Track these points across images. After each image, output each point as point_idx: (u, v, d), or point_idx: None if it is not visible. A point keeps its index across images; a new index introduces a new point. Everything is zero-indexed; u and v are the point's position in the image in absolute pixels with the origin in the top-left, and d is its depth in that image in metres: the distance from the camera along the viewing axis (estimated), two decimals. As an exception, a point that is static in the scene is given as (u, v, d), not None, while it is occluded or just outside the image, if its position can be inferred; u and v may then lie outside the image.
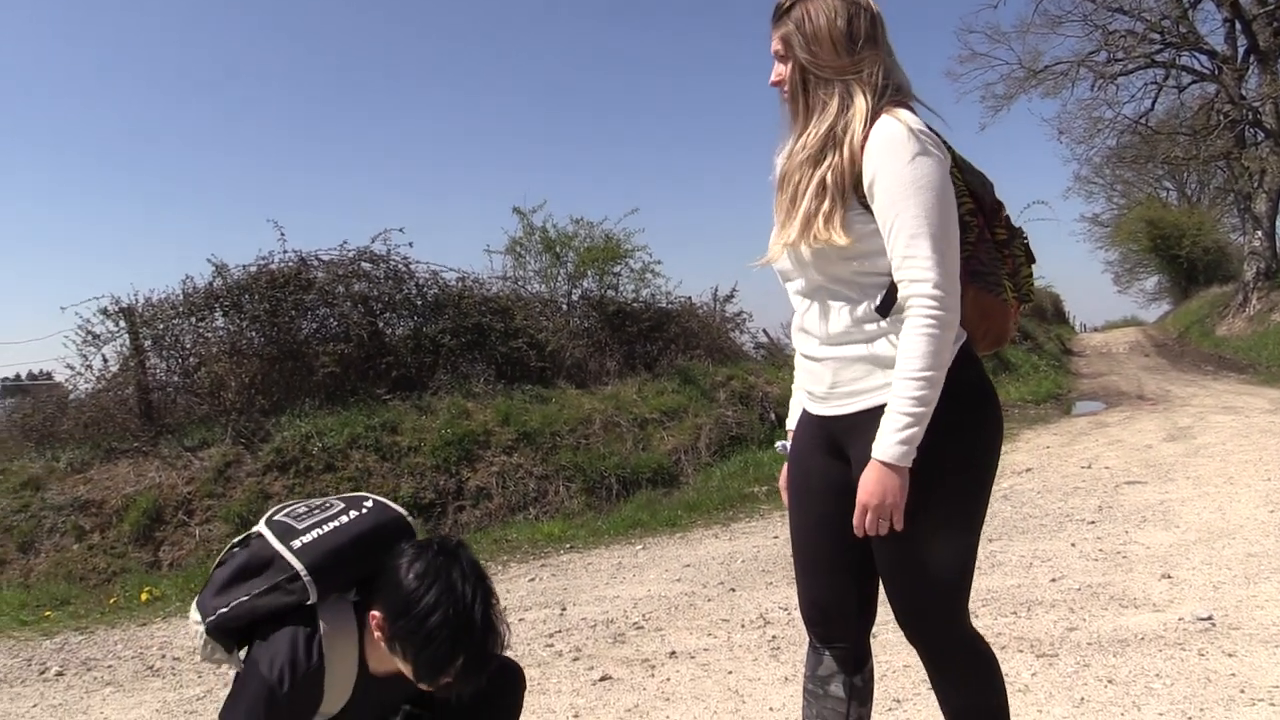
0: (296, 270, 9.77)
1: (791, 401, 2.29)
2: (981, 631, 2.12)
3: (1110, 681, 3.41)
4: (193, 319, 9.59)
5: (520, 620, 5.01)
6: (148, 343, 9.36)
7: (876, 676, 2.30)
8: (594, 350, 11.88)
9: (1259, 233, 25.22)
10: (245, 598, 1.98)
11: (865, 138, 1.88)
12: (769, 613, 4.73)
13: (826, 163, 1.90)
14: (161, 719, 4.00)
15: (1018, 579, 4.90)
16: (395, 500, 2.31)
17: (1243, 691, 3.22)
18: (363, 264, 10.24)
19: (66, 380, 9.71)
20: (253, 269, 9.74)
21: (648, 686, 3.84)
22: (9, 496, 7.79)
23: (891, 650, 3.88)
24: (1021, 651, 3.79)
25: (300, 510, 2.10)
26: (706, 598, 5.19)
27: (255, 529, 2.10)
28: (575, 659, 4.29)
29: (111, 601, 6.50)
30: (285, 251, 9.94)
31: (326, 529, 2.02)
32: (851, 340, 1.94)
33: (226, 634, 2.03)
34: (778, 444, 2.33)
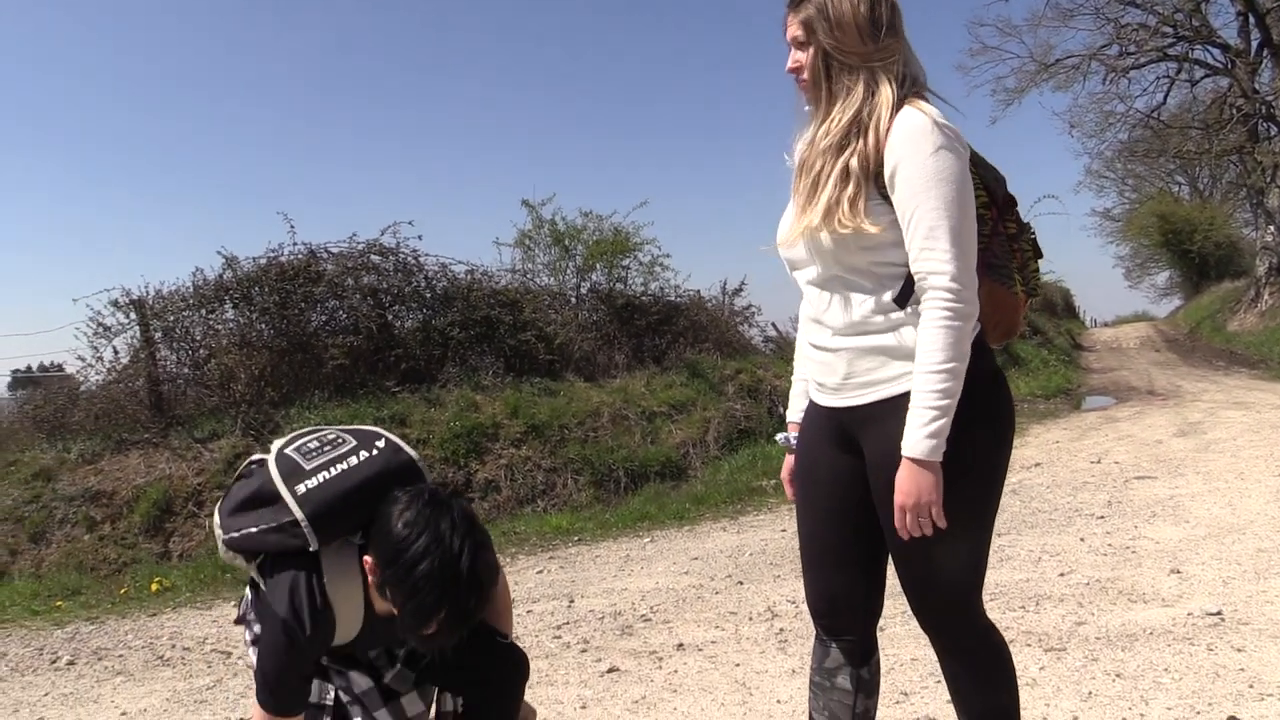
0: (306, 263, 9.80)
1: (792, 393, 2.30)
2: (990, 625, 2.12)
3: (1118, 676, 3.41)
4: (203, 311, 9.63)
5: (528, 612, 5.02)
6: (158, 335, 9.40)
7: (883, 669, 2.30)
8: (602, 343, 11.90)
9: (1271, 228, 25.07)
10: (254, 529, 2.02)
11: (889, 127, 1.88)
12: (777, 605, 4.73)
13: (851, 150, 1.89)
14: (172, 708, 4.02)
15: (1026, 573, 4.89)
16: None
17: (1251, 686, 3.21)
18: (372, 257, 10.27)
19: (77, 372, 9.78)
20: (262, 261, 9.78)
21: (655, 678, 3.85)
22: (20, 487, 7.84)
23: (899, 643, 3.88)
24: (1029, 646, 3.78)
25: (311, 445, 2.10)
26: (714, 590, 5.20)
27: (267, 456, 2.12)
28: (583, 651, 4.30)
29: (122, 592, 6.54)
30: (295, 244, 9.99)
31: (333, 472, 2.02)
32: (867, 331, 1.93)
33: (241, 551, 2.09)
34: (779, 436, 2.31)
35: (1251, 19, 24.14)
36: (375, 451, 2.06)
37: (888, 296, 1.91)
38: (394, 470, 2.03)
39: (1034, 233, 2.14)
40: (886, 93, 1.91)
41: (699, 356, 11.91)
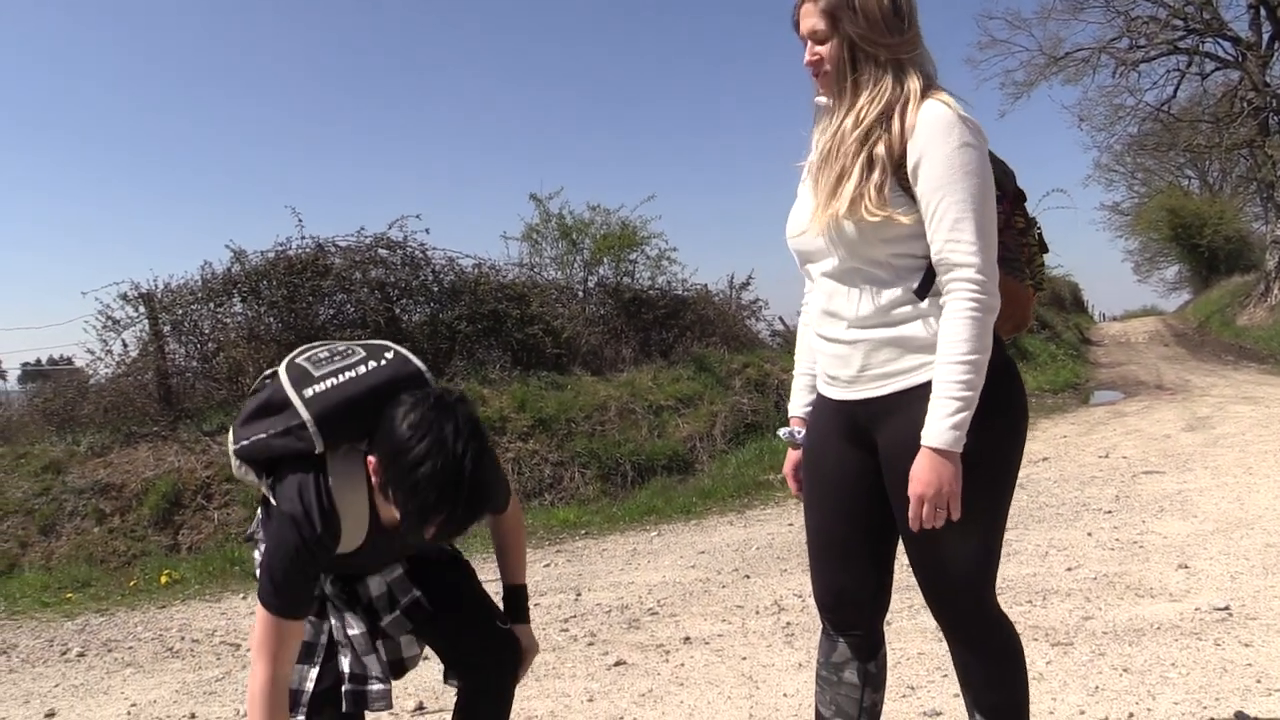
0: (314, 257, 9.82)
1: (794, 386, 2.29)
2: (997, 619, 2.12)
3: (1125, 670, 3.41)
4: (211, 305, 9.66)
5: (535, 605, 5.02)
6: (167, 328, 9.43)
7: (890, 663, 2.31)
8: (610, 337, 11.90)
9: (1281, 221, 24.98)
10: (263, 435, 2.03)
11: (914, 119, 1.87)
12: (783, 599, 4.74)
13: (877, 140, 1.88)
14: (181, 700, 4.04)
15: (1033, 568, 4.89)
16: None
17: (1259, 681, 3.21)
18: (380, 250, 10.28)
19: (87, 365, 9.82)
20: (271, 255, 9.80)
21: (662, 672, 3.86)
22: (30, 480, 7.87)
23: (905, 637, 3.89)
24: (1036, 640, 3.78)
25: (321, 355, 2.11)
26: (721, 584, 5.20)
27: (279, 369, 2.13)
28: (590, 644, 4.31)
29: (131, 584, 6.57)
30: (303, 238, 10.02)
31: (341, 379, 2.03)
32: (886, 323, 1.92)
33: (252, 461, 2.09)
34: (781, 431, 2.29)
35: (1263, 11, 24.03)
36: (384, 361, 2.07)
37: (909, 288, 1.90)
38: (402, 379, 2.04)
39: (1040, 228, 2.14)
40: (913, 84, 1.91)
41: (706, 350, 11.92)
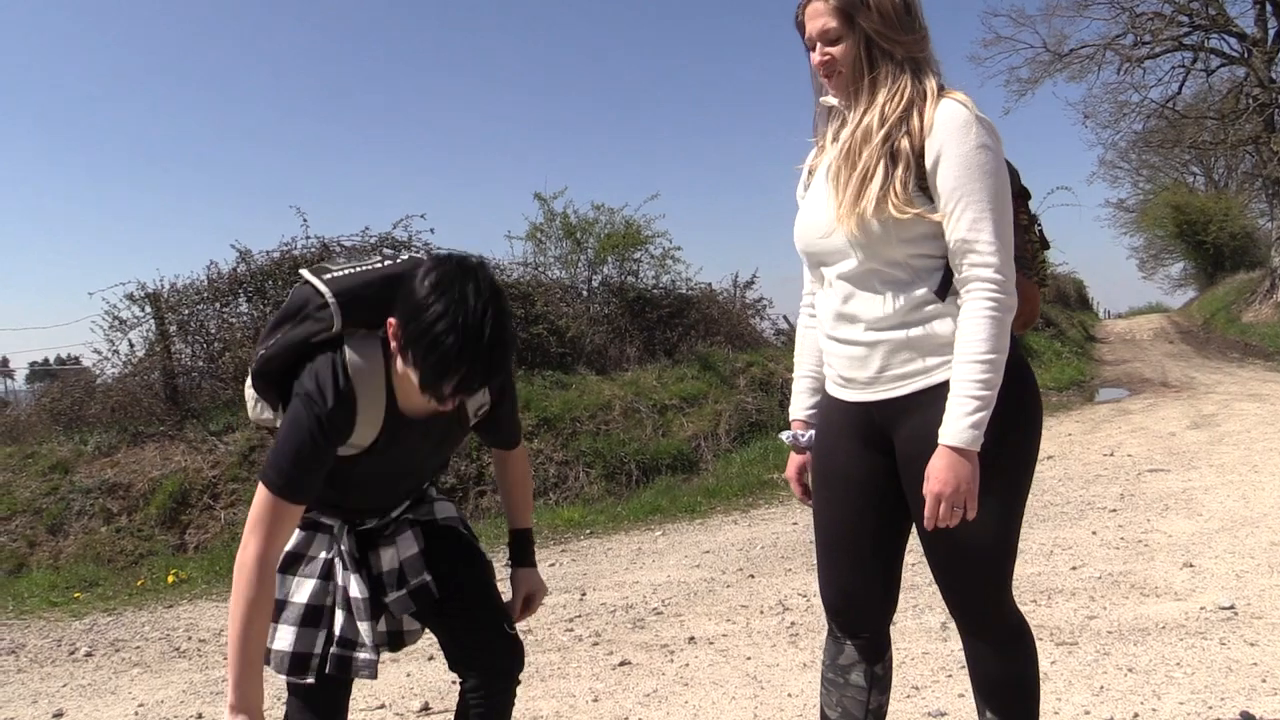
0: (319, 256, 9.83)
1: (795, 389, 2.28)
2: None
3: (1130, 670, 3.41)
4: (217, 304, 9.70)
5: (541, 605, 5.04)
6: (173, 328, 9.46)
7: (894, 663, 2.31)
8: (614, 336, 11.91)
9: (1287, 218, 24.92)
10: (281, 334, 2.05)
11: (931, 119, 1.88)
12: (788, 599, 4.75)
13: (898, 139, 1.88)
14: (188, 699, 4.06)
15: (1038, 567, 4.89)
16: None
17: (1264, 681, 3.21)
18: (384, 250, 10.27)
19: (94, 365, 9.86)
20: (276, 255, 9.83)
21: (666, 672, 3.87)
22: (38, 479, 7.91)
23: (910, 637, 3.89)
24: (1041, 640, 3.77)
25: (342, 261, 2.15)
26: (726, 584, 5.21)
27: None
28: (595, 644, 4.33)
29: (139, 583, 6.60)
30: (308, 238, 10.05)
31: (361, 267, 2.07)
32: (905, 324, 1.92)
33: (269, 382, 2.08)
34: (784, 434, 2.28)
35: (1269, 7, 23.94)
36: (404, 258, 2.10)
37: (928, 288, 1.91)
38: (420, 264, 2.04)
39: (1040, 224, 2.15)
40: (930, 83, 1.92)
41: (710, 349, 11.92)
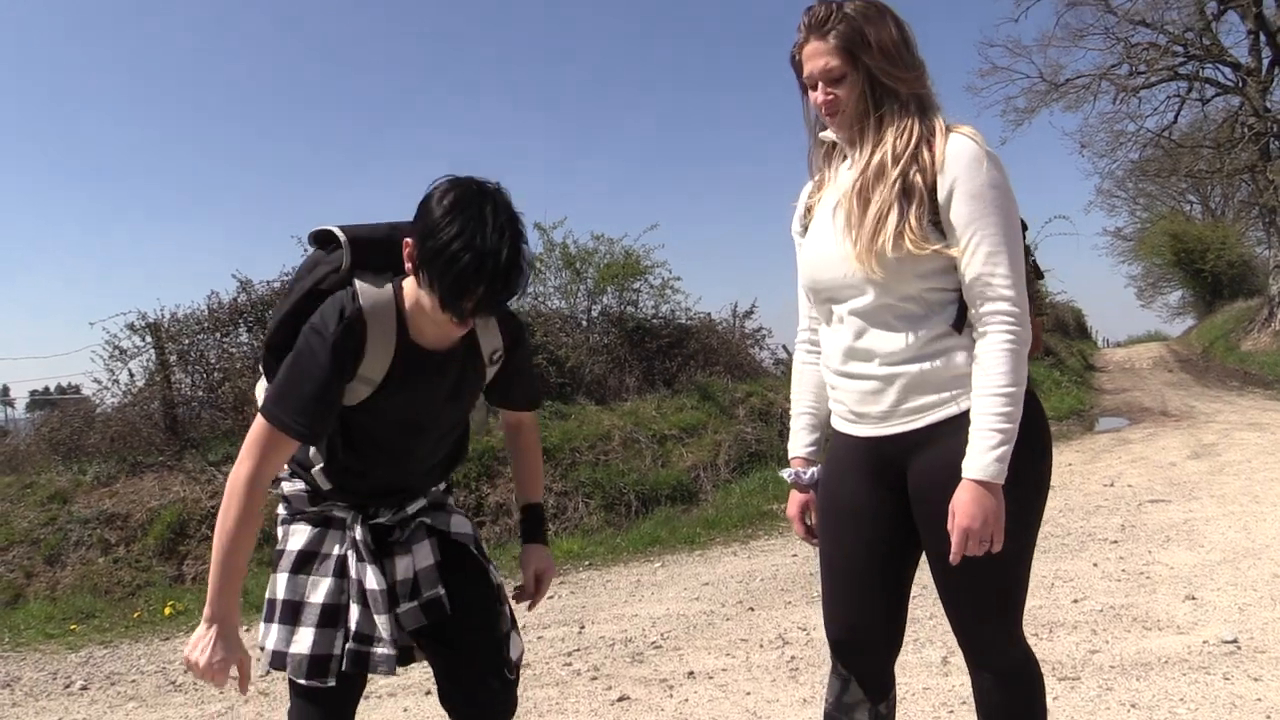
0: (319, 286, 9.84)
1: (794, 427, 2.27)
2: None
3: (1133, 706, 3.39)
4: (217, 334, 9.71)
5: (539, 638, 5.02)
6: (173, 358, 9.47)
7: (896, 700, 2.30)
8: (613, 366, 11.91)
9: (1284, 247, 25.00)
10: (294, 293, 2.07)
11: (942, 153, 1.89)
12: (788, 633, 4.72)
13: (910, 176, 1.89)
14: (184, 735, 4.03)
15: (1039, 599, 4.87)
16: None
17: (1269, 717, 3.19)
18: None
19: (94, 394, 9.87)
20: (276, 285, 9.84)
21: (665, 707, 3.84)
22: (36, 509, 7.88)
23: (910, 672, 3.87)
24: (1044, 674, 3.76)
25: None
26: (725, 617, 5.19)
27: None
28: (594, 678, 4.30)
29: (135, 615, 6.56)
30: (308, 267, 10.03)
31: (371, 225, 2.10)
32: (921, 357, 1.92)
33: (282, 357, 2.03)
34: (785, 472, 2.27)
35: (1262, 37, 24.13)
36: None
37: (943, 321, 1.92)
38: None
39: (1035, 255, 2.16)
40: (937, 119, 1.94)
41: (710, 379, 11.92)
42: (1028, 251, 2.12)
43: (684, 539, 7.76)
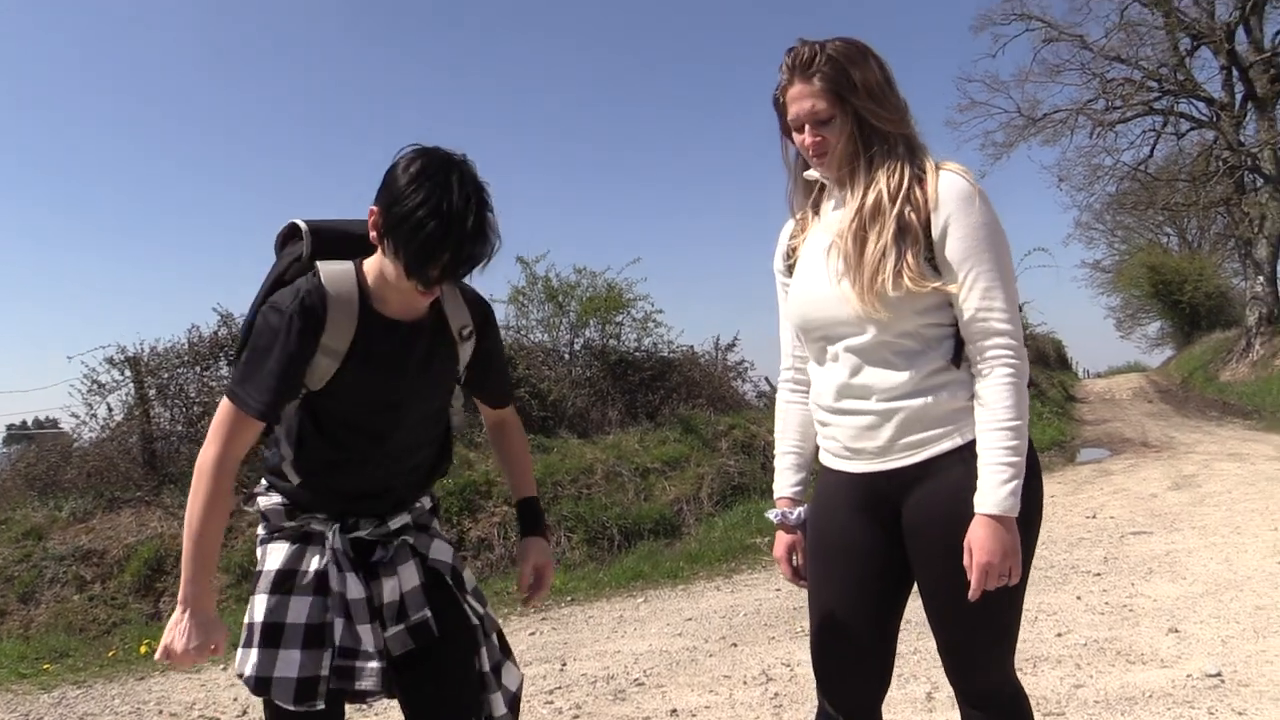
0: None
1: (779, 466, 2.25)
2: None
3: (1117, 741, 3.37)
4: (197, 368, 9.64)
5: (522, 675, 4.95)
6: (152, 392, 9.40)
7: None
8: (596, 399, 11.90)
9: (1260, 278, 25.30)
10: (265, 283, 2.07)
11: (934, 191, 1.90)
12: (771, 669, 4.68)
13: (906, 215, 1.90)
14: (158, 778, 3.96)
15: (1023, 633, 4.80)
16: None
17: (1252, 752, 3.18)
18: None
19: (71, 429, 9.76)
20: (257, 318, 9.78)
21: (649, 745, 3.79)
22: (11, 546, 7.77)
23: (895, 708, 3.84)
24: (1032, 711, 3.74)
25: None
26: (708, 653, 5.14)
27: None
28: (575, 717, 4.25)
29: (110, 654, 6.46)
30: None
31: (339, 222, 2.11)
32: (918, 392, 1.92)
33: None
34: (771, 513, 2.24)
35: (1235, 73, 24.58)
36: None
37: (940, 356, 1.93)
38: None
39: None
40: (926, 157, 1.96)
41: (692, 412, 11.91)
42: None
43: (667, 573, 7.72)
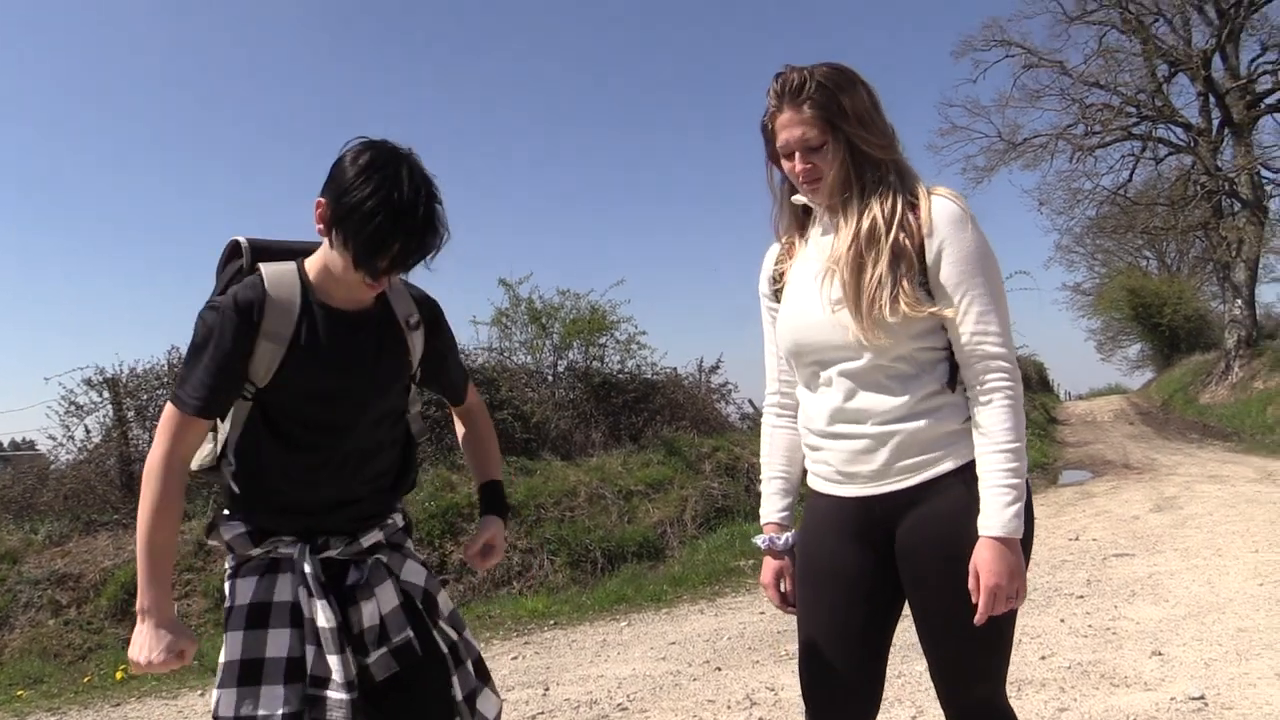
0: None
1: (766, 492, 2.22)
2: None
3: (1102, 766, 3.35)
4: (176, 390, 9.56)
5: (503, 701, 4.90)
6: (131, 413, 9.33)
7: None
8: (579, 422, 11.87)
9: (1239, 301, 25.56)
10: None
11: (926, 215, 1.91)
12: (755, 693, 4.65)
13: (901, 240, 1.90)
14: (132, 807, 3.89)
15: (1007, 656, 4.84)
16: None
17: (1236, 776, 3.17)
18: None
19: (48, 451, 9.68)
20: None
21: (632, 772, 3.75)
22: (-16, 571, 7.66)
23: (880, 733, 3.81)
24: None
25: None
26: (692, 677, 5.10)
27: None
28: (558, 742, 4.20)
29: (85, 680, 6.37)
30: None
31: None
32: (915, 415, 1.92)
33: None
34: (759, 539, 2.21)
35: (1211, 99, 24.91)
36: None
37: (935, 380, 1.93)
38: None
39: None
40: (918, 183, 1.97)
41: (676, 434, 11.89)
42: None
43: (650, 597, 7.67)
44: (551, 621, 7.12)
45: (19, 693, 6.12)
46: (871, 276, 1.89)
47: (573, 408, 12.05)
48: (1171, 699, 3.96)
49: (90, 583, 7.58)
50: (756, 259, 2.24)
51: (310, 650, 1.95)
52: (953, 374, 1.94)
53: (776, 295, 2.13)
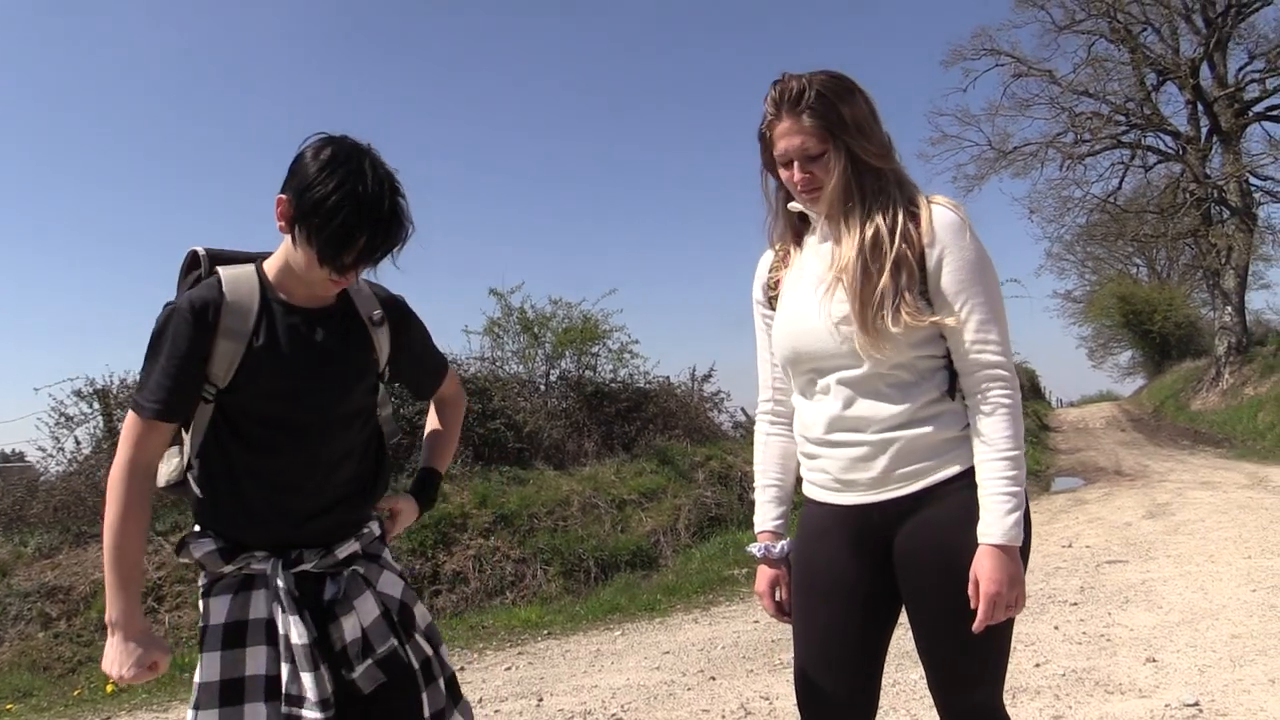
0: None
1: (760, 500, 2.21)
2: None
3: (1098, 773, 3.35)
4: (167, 401, 9.52)
5: (496, 712, 4.89)
6: (121, 425, 9.27)
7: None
8: (572, 431, 11.85)
9: (1229, 308, 25.65)
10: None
11: (926, 224, 1.91)
12: (750, 702, 4.63)
13: (903, 250, 1.89)
14: (122, 822, 3.85)
15: (1001, 664, 4.83)
16: None
17: (1232, 783, 3.16)
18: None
19: (38, 463, 9.62)
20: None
21: (627, 782, 3.73)
22: (-27, 584, 7.61)
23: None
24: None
25: None
26: (686, 686, 5.09)
27: None
28: (552, 753, 4.18)
29: (75, 693, 6.32)
30: (261, 333, 9.93)
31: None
32: (915, 423, 1.92)
33: None
34: (753, 547, 2.19)
35: (1200, 107, 25.02)
36: None
37: (934, 387, 1.93)
38: None
39: None
40: (918, 192, 1.97)
41: (669, 443, 11.89)
42: None
43: (644, 606, 7.65)
44: (545, 631, 7.09)
45: (8, 706, 6.07)
46: (874, 285, 1.89)
47: (565, 417, 12.03)
48: (1166, 706, 3.96)
49: (80, 595, 7.53)
50: (748, 269, 2.24)
51: (286, 669, 1.91)
52: (952, 381, 1.94)
53: (771, 302, 2.13)
